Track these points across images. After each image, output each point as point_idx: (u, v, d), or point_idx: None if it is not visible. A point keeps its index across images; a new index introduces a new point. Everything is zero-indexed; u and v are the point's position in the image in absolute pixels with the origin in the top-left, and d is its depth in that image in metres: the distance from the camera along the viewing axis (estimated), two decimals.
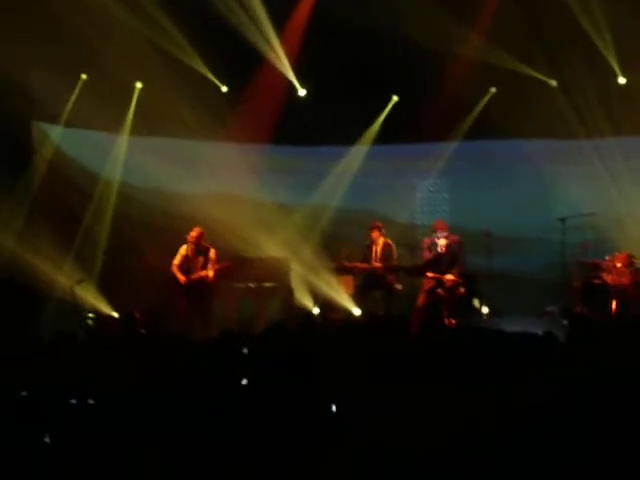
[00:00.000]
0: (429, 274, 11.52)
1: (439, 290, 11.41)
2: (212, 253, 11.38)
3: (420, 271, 11.76)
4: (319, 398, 4.83)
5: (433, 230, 12.06)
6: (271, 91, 13.17)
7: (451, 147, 13.91)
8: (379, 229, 12.24)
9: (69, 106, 12.75)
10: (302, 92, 13.41)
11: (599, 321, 8.71)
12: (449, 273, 11.47)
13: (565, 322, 8.48)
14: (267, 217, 13.40)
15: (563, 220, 12.20)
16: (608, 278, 11.56)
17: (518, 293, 12.21)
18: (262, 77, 13.13)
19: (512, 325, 7.31)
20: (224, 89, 13.35)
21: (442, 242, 11.61)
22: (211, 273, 11.28)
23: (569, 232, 12.20)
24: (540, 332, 6.28)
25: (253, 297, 12.19)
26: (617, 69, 12.77)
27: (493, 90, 13.54)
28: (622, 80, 12.82)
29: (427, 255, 11.76)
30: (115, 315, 11.84)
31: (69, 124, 12.91)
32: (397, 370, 5.26)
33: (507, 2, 12.14)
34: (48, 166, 12.70)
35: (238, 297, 12.15)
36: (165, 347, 7.06)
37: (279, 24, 12.76)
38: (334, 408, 4.64)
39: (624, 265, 11.51)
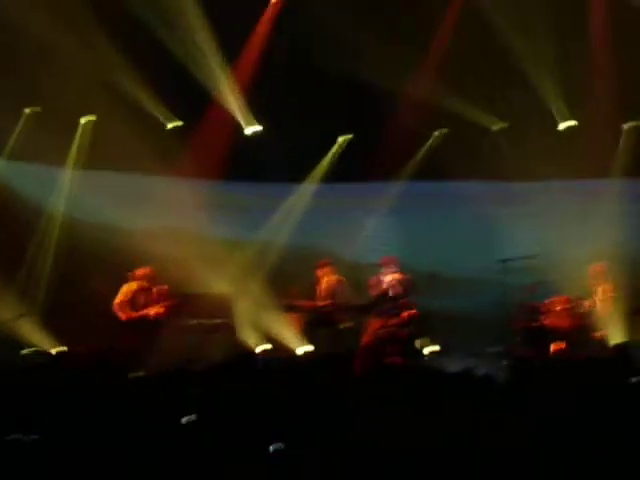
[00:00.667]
0: (375, 314, 11.53)
1: (384, 330, 11.42)
2: (160, 291, 11.42)
3: (366, 310, 11.78)
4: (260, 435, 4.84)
5: (380, 267, 12.15)
6: (222, 127, 13.18)
7: (399, 187, 14.05)
8: (325, 266, 12.30)
9: (12, 140, 12.64)
10: (249, 130, 13.28)
11: (538, 363, 8.82)
12: (396, 311, 11.48)
13: (505, 363, 8.57)
14: (215, 253, 13.34)
15: (504, 261, 12.31)
16: (547, 321, 11.67)
17: (462, 333, 12.28)
18: (213, 113, 13.14)
19: (454, 365, 7.36)
20: (174, 125, 13.30)
21: (388, 278, 11.64)
22: (152, 312, 11.33)
23: (512, 274, 12.27)
24: (480, 373, 6.36)
25: (198, 333, 12.12)
26: (561, 114, 13.03)
27: (437, 133, 13.78)
28: (564, 125, 13.05)
29: (373, 293, 11.82)
30: (56, 351, 11.65)
31: (13, 157, 12.77)
32: (336, 407, 5.29)
33: (456, 43, 12.38)
34: None
35: (184, 333, 12.08)
36: (108, 383, 7.01)
37: (230, 59, 12.83)
38: (271, 450, 4.65)
39: (564, 308, 11.63)
